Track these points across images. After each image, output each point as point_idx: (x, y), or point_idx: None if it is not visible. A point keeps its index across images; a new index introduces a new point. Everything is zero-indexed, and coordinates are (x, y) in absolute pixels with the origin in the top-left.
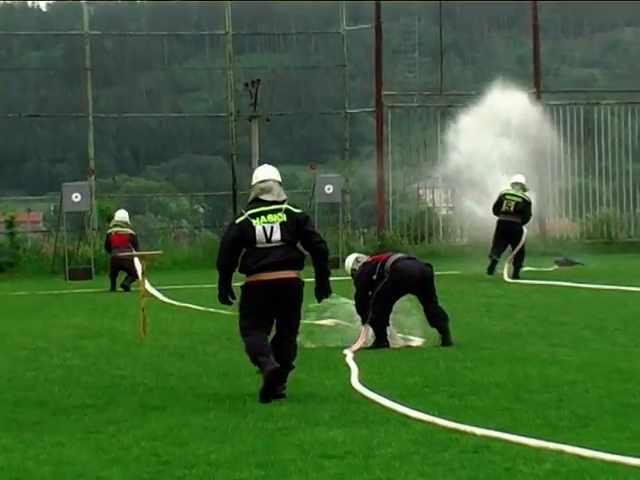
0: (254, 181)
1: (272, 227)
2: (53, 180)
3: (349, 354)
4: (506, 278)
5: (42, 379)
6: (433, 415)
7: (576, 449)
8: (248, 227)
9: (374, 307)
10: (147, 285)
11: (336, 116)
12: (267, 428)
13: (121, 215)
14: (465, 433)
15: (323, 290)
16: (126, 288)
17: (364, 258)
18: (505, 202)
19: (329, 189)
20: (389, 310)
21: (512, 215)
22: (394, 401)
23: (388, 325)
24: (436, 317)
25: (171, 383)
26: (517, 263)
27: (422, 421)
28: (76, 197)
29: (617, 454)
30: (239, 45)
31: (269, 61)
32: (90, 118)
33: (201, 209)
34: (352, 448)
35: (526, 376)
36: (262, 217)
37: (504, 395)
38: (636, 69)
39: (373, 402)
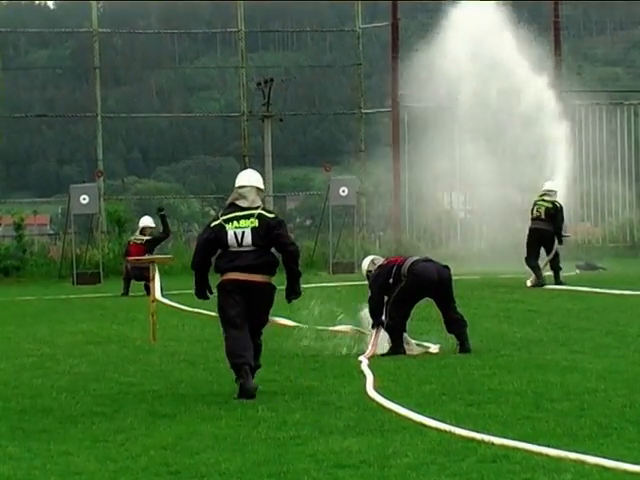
0: (235, 185)
1: (243, 232)
2: (60, 182)
3: (364, 361)
4: (528, 284)
5: (49, 386)
6: (450, 424)
7: (598, 459)
8: (220, 231)
9: (391, 313)
10: (158, 294)
11: (351, 116)
12: (280, 437)
13: (143, 221)
14: (483, 442)
15: (292, 292)
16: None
17: (380, 260)
18: (535, 207)
19: (344, 191)
20: (406, 316)
21: (542, 221)
22: (410, 409)
23: (405, 331)
24: (454, 323)
25: (181, 390)
26: (555, 268)
27: (439, 430)
28: (84, 199)
29: None
30: (252, 43)
31: (282, 60)
32: (99, 118)
33: (212, 211)
34: (367, 457)
35: (546, 384)
36: (234, 222)
37: (523, 403)
38: None
39: (389, 410)
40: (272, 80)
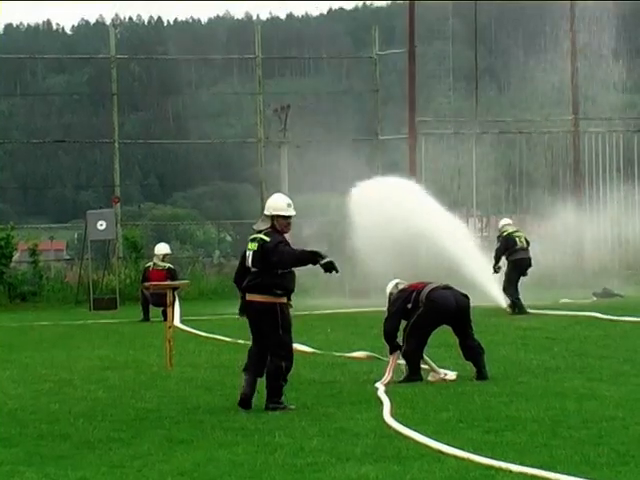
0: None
1: (249, 254)
2: (77, 207)
3: (381, 387)
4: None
5: (66, 412)
6: (468, 451)
7: None
8: (247, 251)
9: (408, 339)
10: (177, 320)
11: (368, 142)
12: (297, 464)
13: (161, 249)
14: (501, 470)
15: (323, 267)
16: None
17: (403, 284)
18: (518, 239)
19: None
20: (424, 343)
21: (525, 251)
22: (428, 436)
23: (421, 358)
24: (471, 350)
25: (198, 417)
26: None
27: (456, 457)
28: (101, 225)
29: None
30: (269, 69)
31: (299, 86)
32: (116, 144)
33: (228, 237)
34: None
35: (564, 411)
36: (250, 244)
37: (541, 431)
38: None
39: (406, 437)
40: (289, 106)
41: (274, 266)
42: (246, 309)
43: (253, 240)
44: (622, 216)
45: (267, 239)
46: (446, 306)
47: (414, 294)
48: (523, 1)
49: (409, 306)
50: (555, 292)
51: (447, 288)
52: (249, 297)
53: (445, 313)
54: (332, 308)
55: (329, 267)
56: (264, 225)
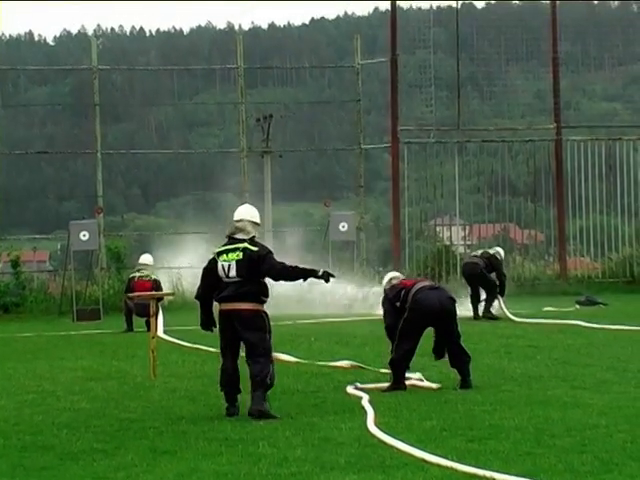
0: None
1: (229, 265)
2: (60, 218)
3: (364, 396)
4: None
5: (49, 423)
6: (452, 460)
7: None
8: (214, 264)
9: (397, 346)
10: (160, 331)
11: (350, 152)
12: (281, 473)
13: (145, 259)
14: (485, 478)
15: (323, 278)
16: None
17: (398, 279)
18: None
19: (344, 226)
20: (412, 350)
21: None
22: (411, 445)
23: (408, 368)
24: (457, 357)
25: (182, 427)
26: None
27: (440, 466)
28: (84, 235)
29: None
30: (251, 79)
31: (281, 96)
32: (98, 155)
33: (213, 247)
34: None
35: (547, 420)
36: (223, 255)
37: (524, 439)
38: None
39: (390, 446)
40: (271, 116)
41: (263, 275)
42: (226, 320)
43: (234, 250)
44: (604, 224)
45: (254, 248)
46: (429, 308)
47: (402, 292)
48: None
49: (397, 304)
50: (538, 300)
51: (434, 288)
52: (232, 306)
53: (428, 315)
54: (316, 318)
55: (327, 277)
56: (244, 235)
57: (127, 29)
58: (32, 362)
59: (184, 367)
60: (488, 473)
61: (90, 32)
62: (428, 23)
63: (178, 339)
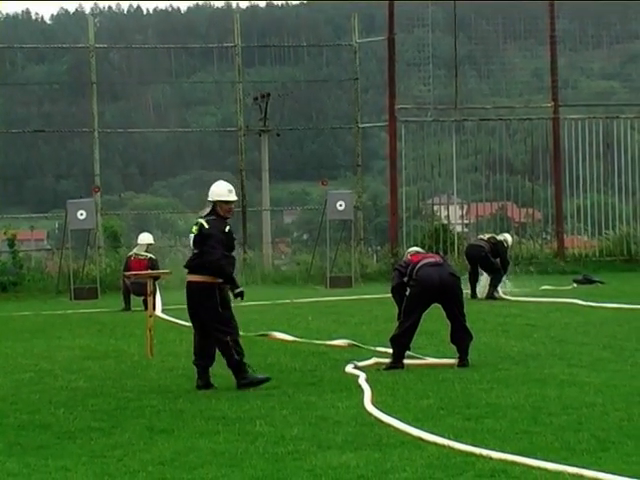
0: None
1: (192, 237)
2: (57, 197)
3: (361, 376)
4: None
5: (46, 402)
6: (448, 438)
7: (596, 473)
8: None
9: (401, 323)
10: (158, 309)
11: (348, 131)
12: (277, 452)
13: (143, 238)
14: (481, 457)
15: (234, 294)
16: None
17: (418, 254)
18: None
19: (341, 205)
20: (413, 328)
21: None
22: (408, 424)
23: (409, 349)
24: (457, 333)
25: (179, 406)
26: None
27: (437, 444)
28: (81, 214)
29: (638, 479)
30: (248, 58)
31: (279, 74)
32: (96, 133)
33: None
34: (365, 472)
35: (544, 398)
36: (192, 227)
37: (521, 418)
38: None
39: (387, 425)
40: (269, 95)
41: (205, 256)
42: (186, 290)
43: (195, 224)
44: (602, 202)
45: (206, 225)
46: (429, 283)
47: (410, 267)
48: None
49: (405, 279)
50: (535, 279)
51: (436, 265)
52: (189, 277)
53: (428, 291)
54: (313, 296)
55: (240, 296)
56: (206, 210)
57: (124, 7)
58: (29, 341)
59: (181, 346)
60: (485, 451)
61: (87, 11)
62: (426, 1)
63: (175, 318)
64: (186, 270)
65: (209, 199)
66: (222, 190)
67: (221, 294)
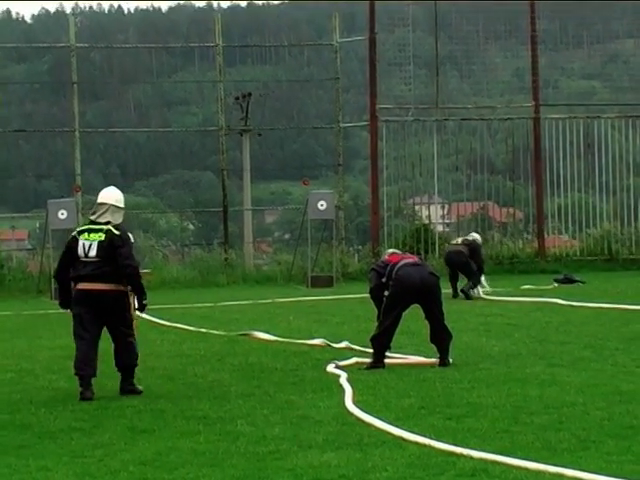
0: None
1: (91, 244)
2: (38, 197)
3: (343, 376)
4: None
5: (27, 401)
6: (429, 438)
7: (576, 472)
8: (74, 242)
9: (381, 323)
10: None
11: (329, 130)
12: (258, 452)
13: None
14: (462, 456)
15: (138, 306)
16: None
17: (396, 255)
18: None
19: (322, 205)
20: (393, 327)
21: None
22: (389, 423)
23: (389, 348)
24: (437, 334)
25: (160, 406)
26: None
27: (418, 444)
28: (62, 214)
29: (618, 477)
30: (230, 58)
31: (260, 74)
32: (77, 133)
33: (191, 226)
34: (346, 472)
35: (525, 397)
36: (85, 234)
37: (502, 417)
38: (637, 82)
39: (368, 424)
40: (250, 94)
41: (122, 264)
42: (84, 299)
43: (98, 231)
44: (583, 202)
45: (117, 232)
46: (410, 283)
47: (388, 268)
48: None
49: (383, 280)
50: (516, 278)
51: (416, 265)
52: (92, 286)
53: (409, 291)
54: (294, 296)
55: (142, 309)
56: (113, 217)
57: (105, 7)
58: (10, 341)
59: (162, 346)
60: (465, 451)
61: (68, 10)
62: (407, 1)
63: (157, 318)
64: (84, 279)
65: (120, 205)
66: (120, 196)
67: (129, 300)
